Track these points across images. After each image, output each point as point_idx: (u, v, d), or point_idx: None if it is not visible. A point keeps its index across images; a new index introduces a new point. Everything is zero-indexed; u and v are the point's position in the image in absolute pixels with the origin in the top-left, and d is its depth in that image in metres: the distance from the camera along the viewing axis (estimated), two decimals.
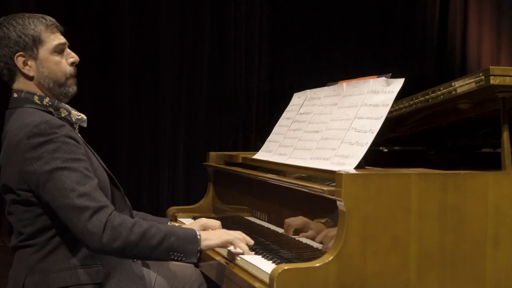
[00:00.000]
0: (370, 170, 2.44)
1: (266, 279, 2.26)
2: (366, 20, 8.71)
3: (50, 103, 2.60)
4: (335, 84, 2.99)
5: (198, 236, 2.52)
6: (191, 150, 7.80)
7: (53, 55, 2.61)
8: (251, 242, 2.67)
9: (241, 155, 3.52)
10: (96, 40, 7.31)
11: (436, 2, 8.97)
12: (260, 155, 3.26)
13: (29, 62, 2.58)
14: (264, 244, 2.80)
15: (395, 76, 2.64)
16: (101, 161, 2.69)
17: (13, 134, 2.50)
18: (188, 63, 7.87)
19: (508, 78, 2.41)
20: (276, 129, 3.30)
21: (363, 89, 2.72)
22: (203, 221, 2.92)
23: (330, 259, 2.21)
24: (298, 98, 3.29)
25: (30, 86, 2.60)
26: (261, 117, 8.25)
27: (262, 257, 2.58)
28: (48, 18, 2.65)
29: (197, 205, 3.76)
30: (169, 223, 3.04)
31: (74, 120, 2.64)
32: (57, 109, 2.61)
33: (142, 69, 7.63)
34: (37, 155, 2.39)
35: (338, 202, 2.27)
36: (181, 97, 7.83)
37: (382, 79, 2.65)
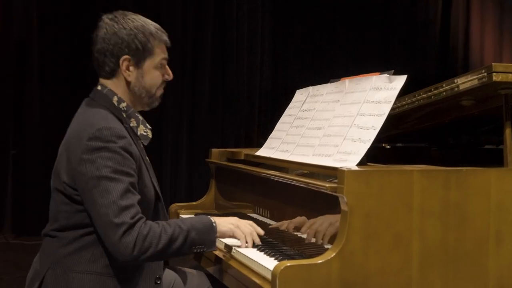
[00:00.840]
0: (372, 167, 2.44)
1: (269, 276, 2.26)
2: (369, 17, 8.71)
3: (125, 108, 2.64)
4: (337, 80, 2.99)
5: (214, 224, 2.60)
6: (194, 147, 7.82)
7: (155, 70, 2.68)
8: (261, 232, 2.73)
9: (244, 151, 3.51)
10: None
11: (438, 0, 8.97)
12: (263, 151, 3.26)
13: (132, 68, 2.62)
14: (266, 241, 2.81)
15: (397, 73, 2.64)
16: (153, 176, 2.69)
17: (77, 128, 2.52)
18: (191, 61, 7.87)
19: (510, 75, 2.41)
20: (278, 126, 3.30)
21: (366, 86, 2.72)
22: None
23: (332, 256, 2.21)
24: (300, 95, 3.29)
25: (119, 88, 2.64)
26: (264, 114, 8.26)
27: (265, 253, 2.58)
28: (161, 30, 2.71)
29: (199, 201, 3.76)
30: None
31: (138, 134, 2.66)
32: (129, 117, 2.65)
33: None
34: (91, 159, 2.40)
35: (340, 199, 2.27)
36: (183, 94, 7.84)
37: (385, 76, 2.65)
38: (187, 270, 2.95)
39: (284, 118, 3.30)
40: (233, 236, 2.70)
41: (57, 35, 7.18)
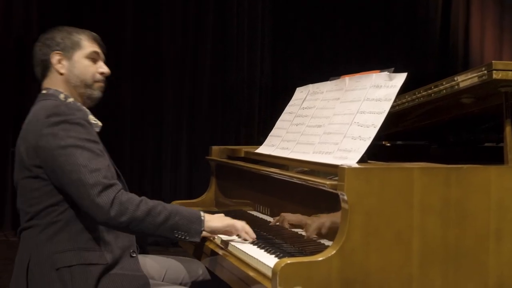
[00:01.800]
0: (372, 164, 2.44)
1: (269, 273, 2.26)
2: (369, 14, 8.70)
3: (73, 103, 2.72)
4: (337, 78, 2.99)
5: (202, 217, 2.66)
6: (194, 144, 7.81)
7: (86, 60, 2.79)
8: (253, 236, 2.74)
9: (244, 149, 3.52)
10: (99, 33, 7.31)
11: None
12: (263, 149, 3.26)
13: (63, 62, 2.76)
14: (266, 238, 2.81)
15: (397, 70, 2.64)
16: (110, 159, 2.75)
17: (33, 115, 2.63)
18: (191, 58, 7.87)
19: (510, 72, 2.41)
20: (278, 123, 3.30)
21: (366, 83, 2.72)
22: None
23: (333, 253, 2.21)
24: (300, 93, 3.29)
25: (59, 84, 2.76)
26: (264, 111, 8.25)
27: (265, 251, 2.58)
28: (95, 34, 2.86)
29: (199, 199, 3.76)
30: None
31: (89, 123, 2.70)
32: (78, 110, 2.69)
33: (145, 64, 7.63)
34: (53, 132, 2.50)
35: (340, 196, 2.26)
36: (183, 92, 7.84)
37: (385, 73, 2.65)
38: (184, 258, 3.00)
39: (284, 115, 3.30)
40: (224, 232, 2.76)
41: None
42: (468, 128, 3.46)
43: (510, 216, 2.41)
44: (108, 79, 2.85)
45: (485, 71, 2.42)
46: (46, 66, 2.77)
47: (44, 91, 2.77)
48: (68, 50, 2.75)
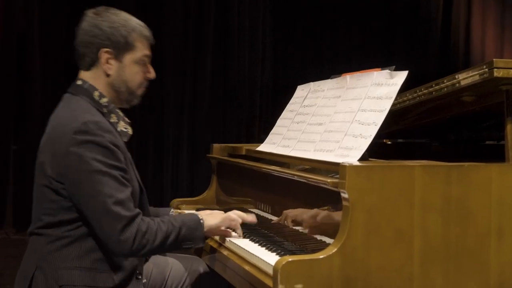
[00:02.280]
0: (374, 162, 2.44)
1: (270, 271, 2.26)
2: (370, 13, 8.71)
3: (106, 104, 2.61)
4: (338, 76, 2.99)
5: (201, 221, 2.64)
6: (195, 142, 7.83)
7: (136, 65, 2.65)
8: (253, 220, 2.83)
9: (245, 147, 3.52)
10: None
11: None
12: (264, 147, 3.26)
13: (112, 61, 2.60)
14: (268, 236, 2.81)
15: (398, 68, 2.64)
16: (135, 170, 2.72)
17: (60, 122, 2.51)
18: (192, 57, 7.88)
19: (511, 70, 2.41)
20: (279, 121, 3.30)
21: (367, 81, 2.72)
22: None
23: (334, 251, 2.21)
24: (301, 91, 3.28)
25: (99, 82, 2.62)
26: (265, 110, 8.27)
27: (266, 249, 2.59)
28: (145, 27, 2.69)
29: (200, 197, 3.76)
30: (171, 211, 3.08)
31: (118, 130, 2.63)
32: (110, 112, 2.62)
33: None
34: (80, 153, 2.40)
35: (342, 194, 2.26)
36: (185, 90, 7.85)
37: (386, 71, 2.65)
38: (186, 255, 2.99)
39: (285, 113, 3.30)
40: (223, 232, 2.77)
41: (58, 32, 7.18)
42: (469, 126, 3.46)
43: (511, 214, 2.41)
44: None
45: (486, 69, 2.42)
46: (92, 60, 2.60)
47: (79, 82, 2.62)
48: (119, 49, 2.59)
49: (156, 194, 7.52)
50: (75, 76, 2.67)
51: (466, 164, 2.41)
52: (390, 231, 2.27)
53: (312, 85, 3.20)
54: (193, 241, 2.59)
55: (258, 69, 8.24)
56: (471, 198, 2.37)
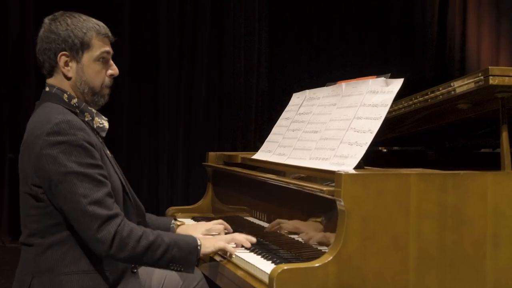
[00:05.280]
0: (369, 170, 2.44)
1: (266, 279, 2.26)
2: (365, 20, 8.73)
3: (77, 104, 2.61)
4: (334, 84, 2.99)
5: (199, 247, 2.58)
6: (190, 150, 7.82)
7: (96, 63, 2.62)
8: (253, 240, 2.75)
9: (240, 155, 3.52)
10: None
11: (435, 2, 8.99)
12: (259, 155, 3.26)
13: (71, 64, 2.59)
14: (263, 244, 2.81)
15: (394, 76, 2.64)
16: (117, 167, 2.70)
17: (34, 126, 2.51)
18: (188, 63, 7.88)
19: (507, 78, 2.41)
20: (275, 129, 3.30)
21: (362, 89, 2.72)
22: (209, 225, 3.01)
23: (329, 259, 2.21)
24: (297, 98, 3.29)
25: (65, 85, 2.61)
26: (260, 117, 8.26)
27: (262, 257, 2.58)
28: (102, 25, 2.66)
29: (196, 205, 3.76)
30: (172, 222, 3.08)
31: (94, 127, 2.64)
32: (83, 112, 2.62)
33: (141, 69, 7.63)
34: (53, 154, 2.39)
35: (337, 202, 2.27)
36: (180, 97, 7.84)
37: (381, 79, 2.66)
38: None
39: (280, 121, 3.30)
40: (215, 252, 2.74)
41: None
42: (465, 133, 3.46)
43: (507, 222, 2.41)
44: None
45: (482, 77, 2.42)
46: (52, 66, 2.61)
47: (47, 89, 2.61)
48: (75, 51, 2.57)
49: (152, 202, 7.50)
50: None
51: (461, 172, 2.41)
52: (386, 238, 2.27)
53: (307, 93, 3.21)
54: (183, 265, 2.53)
55: (254, 75, 8.24)
56: (467, 206, 2.37)
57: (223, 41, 8.07)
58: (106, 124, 2.70)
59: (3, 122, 7.21)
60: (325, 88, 3.06)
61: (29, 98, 7.14)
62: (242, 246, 2.74)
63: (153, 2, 7.69)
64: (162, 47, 7.74)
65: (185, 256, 2.53)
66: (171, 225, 3.04)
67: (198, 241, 2.59)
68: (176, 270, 2.55)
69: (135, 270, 2.64)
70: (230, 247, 2.69)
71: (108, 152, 2.68)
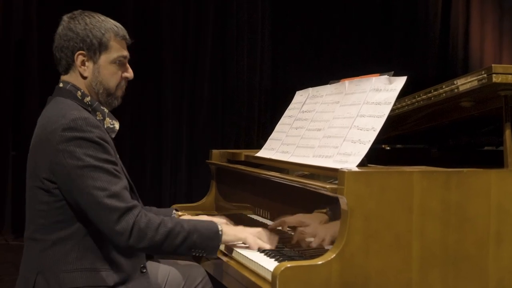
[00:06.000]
0: (372, 168, 2.44)
1: (269, 277, 2.26)
2: (369, 18, 8.72)
3: (90, 102, 2.63)
4: (337, 82, 2.99)
5: (220, 232, 2.60)
6: (194, 148, 7.82)
7: (112, 65, 2.65)
8: (275, 241, 2.72)
9: (244, 153, 3.51)
10: None
11: (438, 1, 8.98)
12: (263, 153, 3.26)
13: (87, 63, 2.61)
14: None
15: (397, 74, 2.64)
16: (124, 168, 2.71)
17: (48, 121, 2.51)
18: (191, 61, 7.89)
19: (510, 76, 2.41)
20: (278, 127, 3.30)
21: (366, 87, 2.72)
22: (223, 221, 2.98)
23: (332, 257, 2.21)
24: (300, 96, 3.29)
25: (79, 83, 2.63)
26: (264, 115, 8.27)
27: (265, 255, 2.58)
28: (120, 27, 2.69)
29: (200, 202, 3.76)
30: (173, 212, 3.11)
31: (105, 127, 2.65)
32: (95, 110, 2.64)
33: (144, 68, 7.63)
34: (70, 149, 2.40)
35: (340, 200, 2.26)
36: (183, 95, 7.85)
37: (384, 77, 2.65)
38: (183, 262, 2.98)
39: (284, 119, 3.30)
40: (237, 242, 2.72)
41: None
42: (468, 131, 3.46)
43: (510, 220, 2.41)
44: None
45: (485, 75, 2.42)
46: (68, 64, 2.62)
47: (61, 85, 2.64)
48: (93, 51, 2.60)
49: (155, 200, 7.50)
50: None
51: (465, 170, 2.41)
52: (388, 236, 2.27)
53: (310, 91, 3.20)
54: (205, 250, 2.55)
55: (257, 74, 8.24)
56: (470, 204, 2.37)
57: (226, 40, 8.08)
58: (117, 125, 2.73)
59: (6, 121, 7.23)
60: (328, 86, 3.06)
61: (32, 97, 7.17)
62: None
63: (157, 0, 7.69)
64: (166, 46, 7.75)
65: (206, 241, 2.55)
66: (172, 216, 3.05)
67: (219, 227, 2.61)
68: (198, 256, 2.59)
69: (144, 270, 2.63)
70: (252, 240, 2.67)
71: (117, 155, 2.68)
